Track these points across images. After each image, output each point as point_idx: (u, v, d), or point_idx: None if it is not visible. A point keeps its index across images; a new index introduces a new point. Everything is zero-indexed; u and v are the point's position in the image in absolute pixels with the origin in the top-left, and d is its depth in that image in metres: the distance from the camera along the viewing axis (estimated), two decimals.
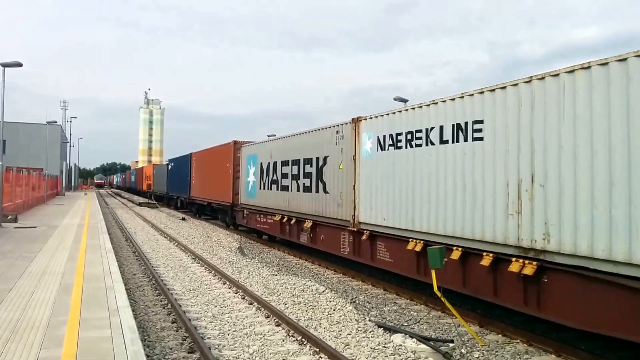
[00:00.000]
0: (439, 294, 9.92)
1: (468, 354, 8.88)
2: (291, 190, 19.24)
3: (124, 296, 9.51)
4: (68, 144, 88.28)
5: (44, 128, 65.64)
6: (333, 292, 12.69)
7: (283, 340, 9.24)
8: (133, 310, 9.47)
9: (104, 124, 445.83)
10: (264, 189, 22.20)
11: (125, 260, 17.97)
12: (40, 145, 65.89)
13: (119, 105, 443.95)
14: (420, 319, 11.15)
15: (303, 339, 9.12)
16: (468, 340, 9.56)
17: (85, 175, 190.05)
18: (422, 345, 8.53)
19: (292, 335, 9.44)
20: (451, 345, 9.02)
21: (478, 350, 9.04)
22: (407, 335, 8.94)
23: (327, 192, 16.29)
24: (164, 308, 11.48)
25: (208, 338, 9.27)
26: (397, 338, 8.87)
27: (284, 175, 20.03)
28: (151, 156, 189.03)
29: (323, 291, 12.31)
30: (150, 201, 56.08)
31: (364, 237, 14.07)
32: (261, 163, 22.66)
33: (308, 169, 17.80)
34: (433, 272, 9.99)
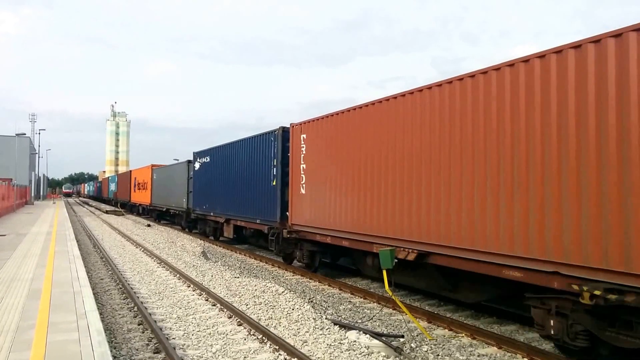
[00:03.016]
0: (390, 293, 10.03)
1: (417, 348, 8.98)
2: None
3: (92, 300, 9.28)
4: (37, 155, 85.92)
5: (13, 140, 63.80)
6: (292, 292, 12.66)
7: (244, 339, 9.17)
8: (100, 314, 9.28)
9: (72, 135, 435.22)
10: None
11: (93, 265, 17.53)
12: (9, 156, 63.87)
13: (87, 117, 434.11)
14: (373, 316, 11.23)
15: (264, 338, 9.07)
16: (417, 335, 9.67)
17: (54, 185, 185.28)
18: (375, 341, 8.58)
19: (253, 334, 9.38)
20: (402, 340, 9.13)
21: (426, 344, 9.16)
22: (361, 332, 8.98)
23: None
24: (130, 311, 11.24)
25: (173, 338, 9.13)
26: (352, 334, 8.90)
27: None
28: (118, 166, 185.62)
29: (282, 292, 12.26)
30: (116, 209, 54.66)
31: None
32: None
33: None
34: (384, 272, 10.09)
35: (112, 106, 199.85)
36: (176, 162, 35.43)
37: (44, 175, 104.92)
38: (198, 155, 28.44)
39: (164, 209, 36.78)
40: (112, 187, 68.54)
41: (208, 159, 26.57)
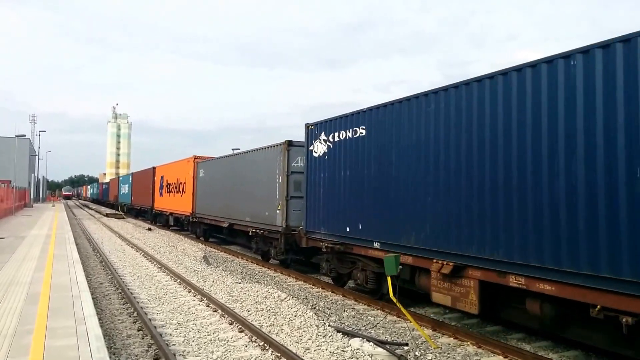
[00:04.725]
0: (394, 300, 10.05)
1: (422, 356, 9.00)
2: None
3: (91, 305, 9.36)
4: (37, 157, 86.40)
5: (12, 141, 64.24)
6: (294, 298, 12.69)
7: (246, 346, 9.21)
8: (100, 319, 9.34)
9: (72, 137, 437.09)
10: None
11: (92, 270, 17.61)
12: (8, 158, 64.28)
13: (87, 119, 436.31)
14: (377, 323, 11.25)
15: (265, 344, 9.11)
16: (422, 343, 9.69)
17: (54, 187, 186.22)
18: (379, 349, 8.62)
19: (255, 341, 9.43)
20: (406, 348, 9.15)
21: (431, 353, 9.18)
22: (365, 339, 9.02)
23: None
24: (130, 316, 11.31)
25: (173, 345, 9.18)
26: (355, 342, 8.94)
27: None
28: (119, 169, 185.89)
29: (285, 298, 12.30)
30: (116, 212, 54.76)
31: None
32: None
33: None
34: (389, 279, 10.12)
35: (114, 108, 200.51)
36: (257, 149, 21.14)
37: (43, 177, 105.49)
38: (323, 127, 14.86)
39: (225, 224, 24.08)
40: (124, 189, 56.28)
41: (363, 130, 12.92)
